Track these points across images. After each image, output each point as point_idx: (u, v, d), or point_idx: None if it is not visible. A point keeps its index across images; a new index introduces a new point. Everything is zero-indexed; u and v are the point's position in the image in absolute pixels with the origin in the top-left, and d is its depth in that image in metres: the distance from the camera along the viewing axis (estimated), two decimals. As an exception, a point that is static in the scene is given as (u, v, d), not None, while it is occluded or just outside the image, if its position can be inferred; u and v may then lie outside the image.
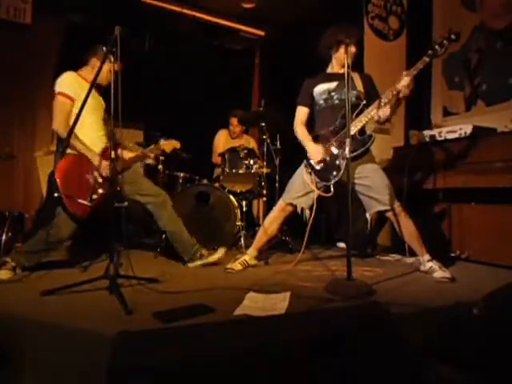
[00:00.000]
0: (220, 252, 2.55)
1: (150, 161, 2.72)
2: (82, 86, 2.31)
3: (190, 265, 2.54)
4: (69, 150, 2.22)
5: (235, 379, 0.96)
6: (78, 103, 2.16)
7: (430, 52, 2.16)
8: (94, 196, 2.24)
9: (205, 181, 3.45)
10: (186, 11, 4.51)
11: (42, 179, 3.93)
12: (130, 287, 1.90)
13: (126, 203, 2.07)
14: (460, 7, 3.61)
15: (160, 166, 3.30)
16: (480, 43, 3.45)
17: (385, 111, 2.26)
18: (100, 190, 2.26)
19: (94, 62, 2.41)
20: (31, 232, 3.17)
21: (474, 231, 2.69)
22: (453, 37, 2.15)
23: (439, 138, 2.88)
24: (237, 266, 2.46)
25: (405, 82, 2.15)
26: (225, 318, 1.51)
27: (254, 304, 1.67)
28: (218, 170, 3.77)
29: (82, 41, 3.95)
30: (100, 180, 2.28)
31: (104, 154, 2.33)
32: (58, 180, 2.12)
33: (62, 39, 4.11)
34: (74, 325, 1.40)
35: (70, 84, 2.30)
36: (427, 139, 2.96)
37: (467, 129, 2.70)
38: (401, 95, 2.20)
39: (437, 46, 2.16)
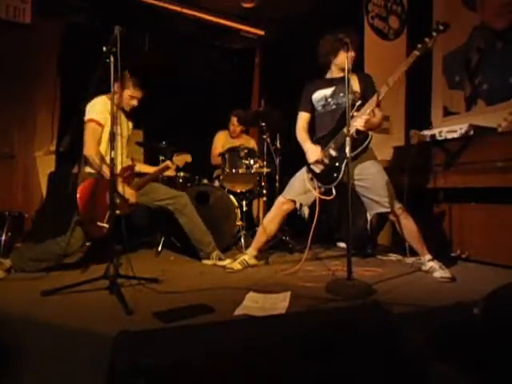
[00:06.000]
0: (228, 260, 2.61)
1: (169, 173, 2.86)
2: (109, 110, 2.42)
3: (205, 262, 2.69)
4: (90, 170, 2.39)
5: (235, 379, 0.96)
6: (106, 128, 2.37)
7: (419, 46, 2.15)
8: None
9: (205, 181, 3.45)
10: (186, 11, 4.50)
11: (42, 179, 3.93)
12: (130, 287, 1.90)
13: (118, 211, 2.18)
14: (460, 7, 3.61)
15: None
16: (480, 43, 3.44)
17: (377, 116, 2.28)
18: (117, 211, 2.30)
19: (117, 88, 2.47)
20: (31, 232, 3.18)
21: (475, 231, 2.69)
22: (441, 27, 2.14)
23: (439, 138, 2.87)
24: (236, 265, 2.46)
25: (395, 76, 2.16)
26: (225, 318, 1.51)
27: (254, 304, 1.67)
28: (217, 171, 3.77)
29: (82, 41, 3.98)
30: (118, 201, 2.34)
31: (122, 175, 2.44)
32: (78, 204, 2.22)
33: (61, 39, 4.11)
34: (74, 325, 1.40)
35: (99, 111, 2.39)
36: (427, 139, 2.96)
37: (467, 128, 2.70)
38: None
39: (426, 39, 2.15)
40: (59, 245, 2.26)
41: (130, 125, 2.70)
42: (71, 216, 2.32)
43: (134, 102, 2.58)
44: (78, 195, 2.22)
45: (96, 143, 2.36)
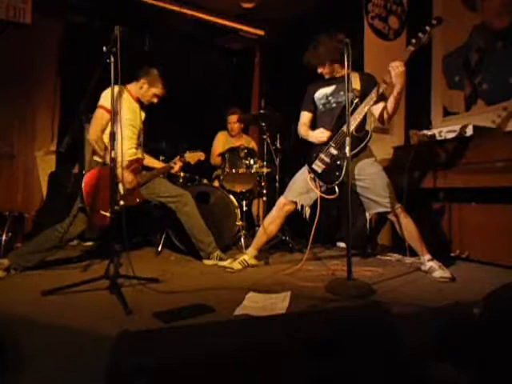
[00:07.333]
0: (229, 260, 2.60)
1: (174, 171, 2.83)
2: (125, 100, 2.48)
3: (206, 262, 2.68)
4: (98, 159, 2.41)
5: (235, 379, 0.96)
6: (117, 115, 2.34)
7: (413, 41, 2.17)
8: (116, 207, 2.27)
9: (205, 181, 3.45)
10: (185, 11, 4.51)
11: (42, 179, 3.93)
12: (130, 287, 1.90)
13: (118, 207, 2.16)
14: (460, 7, 3.61)
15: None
16: (480, 42, 3.44)
17: (379, 107, 2.27)
18: (121, 202, 2.31)
19: (143, 83, 2.57)
20: (32, 232, 3.18)
21: (474, 231, 2.69)
22: (433, 22, 2.16)
23: (439, 138, 2.87)
24: (236, 265, 2.46)
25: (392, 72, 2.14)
26: (225, 318, 1.52)
27: (254, 304, 1.67)
28: (217, 171, 3.77)
29: (81, 41, 3.99)
30: (122, 192, 2.37)
31: (130, 167, 2.46)
32: (83, 192, 2.25)
33: (61, 39, 4.11)
34: (74, 325, 1.40)
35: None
36: (427, 139, 2.96)
37: (467, 128, 2.70)
38: (395, 84, 2.17)
39: (420, 34, 2.17)
40: (57, 230, 2.28)
41: (143, 115, 2.67)
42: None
43: (155, 100, 2.63)
44: (83, 183, 2.25)
45: (99, 129, 2.37)
